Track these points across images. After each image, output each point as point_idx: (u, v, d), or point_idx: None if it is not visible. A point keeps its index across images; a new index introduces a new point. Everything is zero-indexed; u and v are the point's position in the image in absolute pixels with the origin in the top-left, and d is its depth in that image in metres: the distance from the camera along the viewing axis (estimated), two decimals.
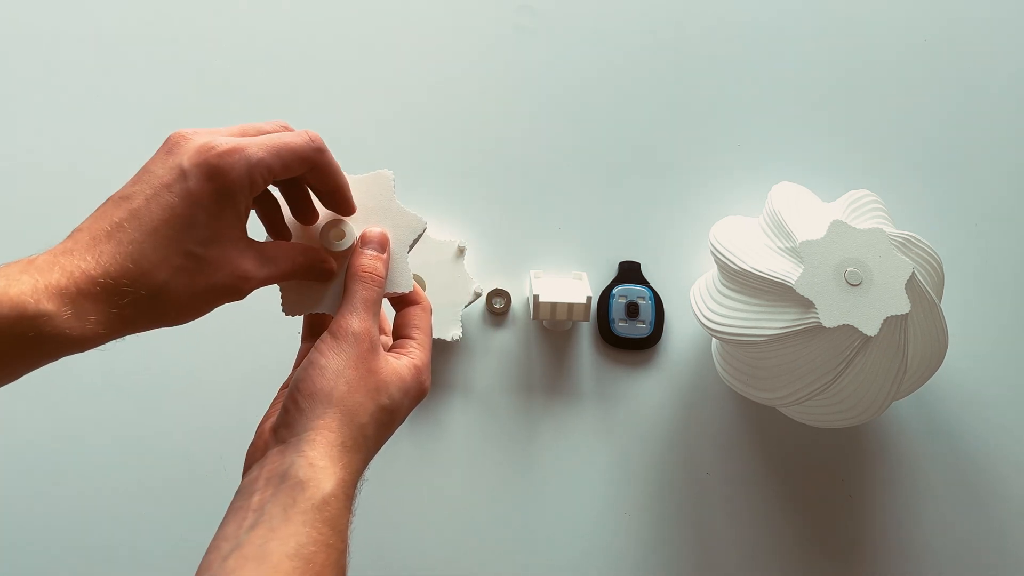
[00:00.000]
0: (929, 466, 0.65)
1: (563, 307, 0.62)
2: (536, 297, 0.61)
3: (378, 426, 0.42)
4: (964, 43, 0.73)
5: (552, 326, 0.66)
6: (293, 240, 0.45)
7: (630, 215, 0.69)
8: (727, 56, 0.72)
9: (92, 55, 0.69)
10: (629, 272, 0.67)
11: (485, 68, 0.71)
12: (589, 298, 0.62)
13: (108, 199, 0.39)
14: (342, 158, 0.72)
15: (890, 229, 0.57)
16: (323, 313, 0.46)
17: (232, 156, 0.38)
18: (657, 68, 0.71)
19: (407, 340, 0.46)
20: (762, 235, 0.58)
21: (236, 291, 0.40)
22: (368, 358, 0.42)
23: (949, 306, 0.59)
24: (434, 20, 0.71)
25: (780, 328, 0.53)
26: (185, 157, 0.38)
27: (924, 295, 0.55)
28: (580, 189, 0.69)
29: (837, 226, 0.55)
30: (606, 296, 0.66)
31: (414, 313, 0.48)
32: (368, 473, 0.62)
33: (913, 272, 0.54)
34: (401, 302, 0.49)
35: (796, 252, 0.55)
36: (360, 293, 0.44)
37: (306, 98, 0.70)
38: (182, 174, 0.38)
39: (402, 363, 0.44)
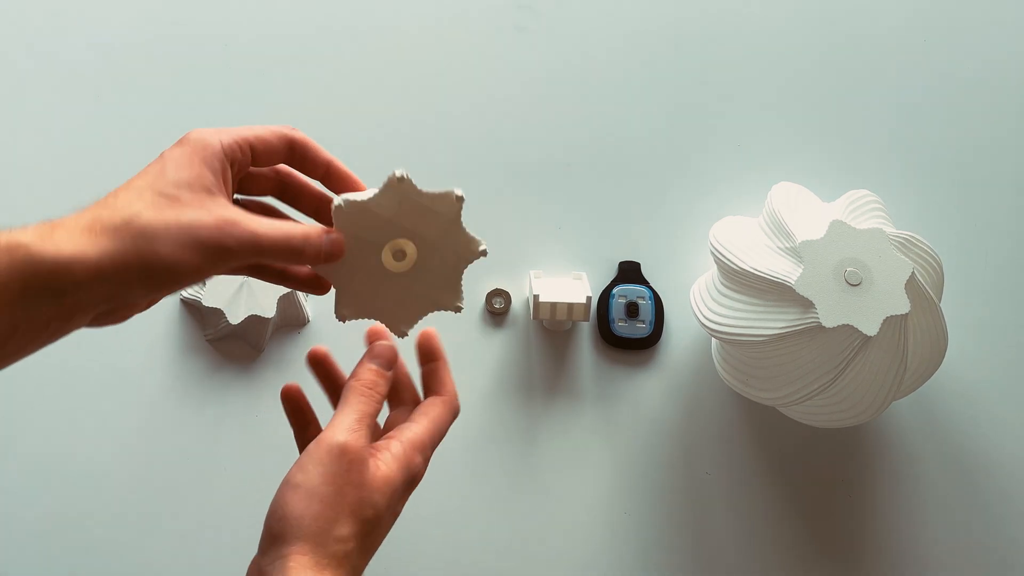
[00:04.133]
0: (929, 466, 0.65)
1: (563, 307, 0.62)
2: (536, 297, 0.61)
3: (362, 538, 0.41)
4: (964, 43, 0.73)
5: (552, 326, 0.66)
6: (360, 274, 0.45)
7: (630, 215, 0.69)
8: (727, 56, 0.72)
9: (102, 58, 0.70)
10: (629, 272, 0.67)
11: (485, 68, 0.71)
12: (589, 298, 0.62)
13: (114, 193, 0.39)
14: (342, 157, 0.72)
15: (890, 229, 0.57)
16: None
17: (206, 129, 0.40)
18: (657, 68, 0.71)
19: (407, 424, 0.45)
20: (762, 235, 0.58)
21: (222, 239, 0.37)
22: (351, 473, 0.40)
23: (949, 306, 0.59)
24: (434, 20, 0.71)
25: (780, 328, 0.53)
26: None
27: (924, 295, 0.55)
28: (580, 189, 0.69)
29: (837, 226, 0.55)
30: (606, 296, 0.66)
31: (428, 401, 0.47)
32: None
33: (913, 272, 0.54)
34: (427, 357, 0.49)
35: (796, 252, 0.55)
36: (357, 406, 0.43)
37: (305, 99, 0.70)
38: (161, 153, 0.39)
39: (389, 462, 0.42)
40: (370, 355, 0.46)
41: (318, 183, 0.47)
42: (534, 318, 0.63)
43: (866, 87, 0.72)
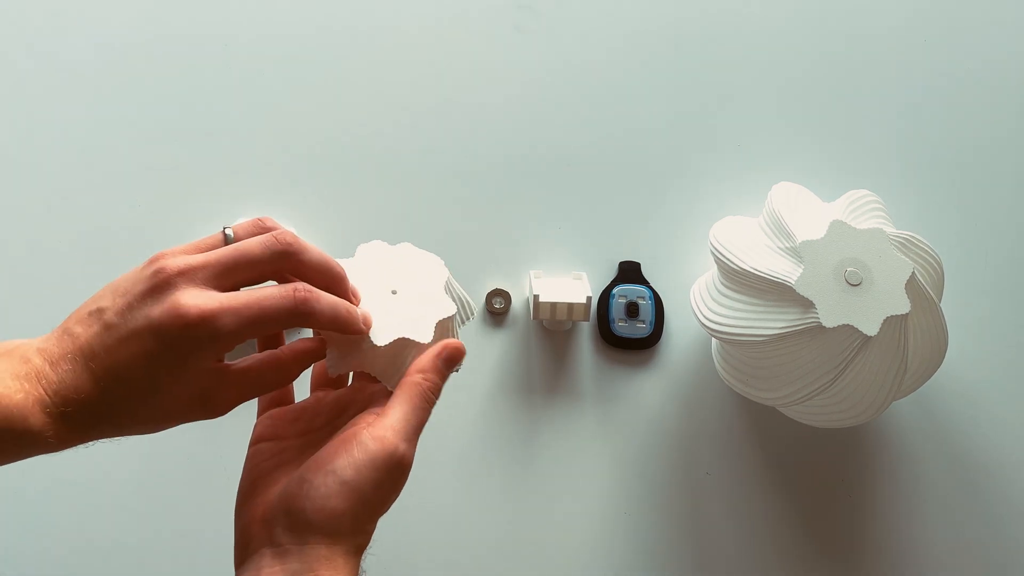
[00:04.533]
0: (929, 466, 0.65)
1: (563, 307, 0.62)
2: (536, 297, 0.61)
3: (373, 526, 0.40)
4: (964, 43, 0.73)
5: (552, 326, 0.66)
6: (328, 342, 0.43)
7: (630, 215, 0.69)
8: (727, 56, 0.72)
9: (115, 54, 0.70)
10: (629, 272, 0.67)
11: (485, 68, 0.71)
12: (589, 298, 0.62)
13: (86, 309, 0.39)
14: (342, 158, 0.72)
15: (890, 229, 0.57)
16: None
17: (199, 328, 0.37)
18: (657, 68, 0.71)
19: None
20: (762, 235, 0.58)
21: (215, 407, 0.40)
22: (398, 484, 0.40)
23: (949, 306, 0.59)
24: (433, 20, 0.71)
25: (780, 328, 0.53)
26: (157, 309, 0.37)
27: (924, 295, 0.55)
28: (580, 189, 0.69)
29: (837, 226, 0.55)
30: (606, 296, 0.66)
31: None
32: None
33: (913, 272, 0.54)
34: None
35: (796, 252, 0.55)
36: (420, 414, 0.41)
37: (305, 99, 0.70)
38: (150, 329, 0.37)
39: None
40: (444, 355, 0.44)
41: None
42: (534, 318, 0.63)
43: (866, 87, 0.72)
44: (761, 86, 0.71)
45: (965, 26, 0.73)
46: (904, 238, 0.56)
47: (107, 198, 0.66)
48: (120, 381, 0.37)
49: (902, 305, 0.53)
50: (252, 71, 0.70)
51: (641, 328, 0.65)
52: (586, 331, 0.67)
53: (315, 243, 0.68)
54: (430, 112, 0.70)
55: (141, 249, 0.66)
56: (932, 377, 0.58)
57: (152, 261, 0.39)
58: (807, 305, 0.53)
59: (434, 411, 0.64)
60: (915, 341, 0.55)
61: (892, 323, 0.53)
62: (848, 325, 0.52)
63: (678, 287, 0.67)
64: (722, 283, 0.58)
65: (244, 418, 0.63)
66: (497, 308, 0.64)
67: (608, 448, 0.65)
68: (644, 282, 0.67)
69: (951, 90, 0.72)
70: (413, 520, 0.63)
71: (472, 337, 0.66)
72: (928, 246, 0.57)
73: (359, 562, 0.39)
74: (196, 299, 0.37)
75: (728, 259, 0.56)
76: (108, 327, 0.38)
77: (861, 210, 0.59)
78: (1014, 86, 0.72)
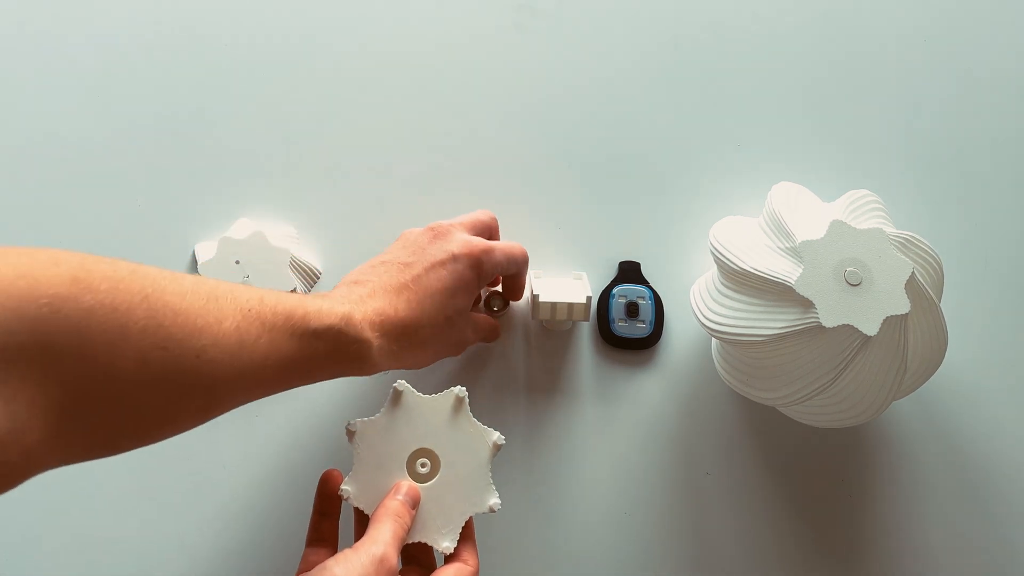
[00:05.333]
0: (929, 466, 0.65)
1: (563, 307, 0.62)
2: (536, 297, 0.61)
3: None
4: (964, 43, 0.73)
5: (552, 326, 0.66)
6: (381, 459, 0.51)
7: (630, 215, 0.69)
8: (727, 56, 0.72)
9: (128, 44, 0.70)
10: (629, 272, 0.67)
11: (484, 67, 0.71)
12: (589, 298, 0.62)
13: (389, 262, 0.51)
14: (342, 158, 0.73)
15: (890, 229, 0.57)
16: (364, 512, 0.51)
17: (488, 255, 0.53)
18: (657, 68, 0.72)
19: (447, 567, 0.49)
20: (762, 235, 0.58)
21: (459, 349, 0.56)
22: None
23: (949, 306, 0.59)
24: (433, 20, 0.71)
25: (780, 328, 0.53)
26: (455, 246, 0.52)
27: (924, 295, 0.55)
28: (580, 189, 0.69)
29: (837, 226, 0.55)
30: (606, 296, 0.66)
31: (458, 566, 0.50)
32: None
33: (913, 272, 0.54)
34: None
35: (796, 252, 0.55)
36: (391, 527, 0.47)
37: (305, 99, 0.70)
38: (453, 258, 0.51)
39: None
40: (396, 490, 0.50)
41: None
42: (534, 318, 0.63)
43: (866, 87, 0.72)
44: (761, 86, 0.71)
45: (965, 26, 0.73)
46: (904, 238, 0.56)
47: (108, 197, 0.66)
48: (432, 302, 0.49)
49: (902, 305, 0.53)
50: (253, 70, 0.70)
51: (641, 328, 0.65)
52: (586, 331, 0.67)
53: (315, 243, 0.69)
54: (429, 111, 0.70)
55: (142, 248, 0.66)
56: (932, 377, 0.58)
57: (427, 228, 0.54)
58: (807, 305, 0.53)
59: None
60: (915, 341, 0.55)
61: (892, 323, 0.53)
62: (848, 325, 0.52)
63: (678, 287, 0.67)
64: (722, 283, 0.58)
65: (241, 425, 0.64)
66: (496, 310, 0.64)
67: (608, 448, 0.65)
68: (644, 282, 0.67)
69: (951, 90, 0.72)
70: None
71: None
72: (928, 246, 0.57)
73: None
74: (476, 239, 0.54)
75: (728, 259, 0.56)
76: (409, 265, 0.51)
77: (861, 210, 0.59)
78: (1014, 86, 0.72)
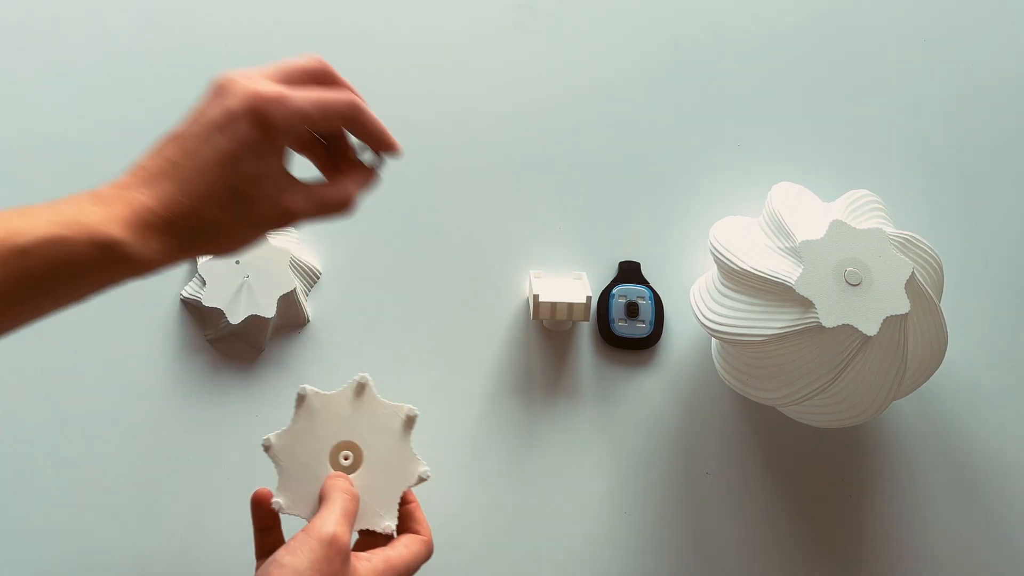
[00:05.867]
0: (929, 466, 0.65)
1: (563, 307, 0.62)
2: (536, 297, 0.61)
3: None
4: (964, 43, 0.73)
5: (552, 326, 0.66)
6: (304, 463, 0.51)
7: (630, 215, 0.69)
8: (727, 56, 0.72)
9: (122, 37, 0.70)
10: (629, 272, 0.67)
11: (485, 67, 0.71)
12: (589, 298, 0.62)
13: (164, 136, 0.42)
14: None
15: (890, 229, 0.57)
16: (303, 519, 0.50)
17: (277, 105, 0.41)
18: (657, 68, 0.71)
19: (390, 547, 0.50)
20: (762, 235, 0.58)
21: (281, 222, 0.43)
22: (334, 563, 0.44)
23: (949, 306, 0.59)
24: (433, 19, 0.71)
25: (780, 328, 0.53)
26: (235, 101, 0.41)
27: (924, 295, 0.55)
28: (580, 189, 0.69)
29: (837, 226, 0.55)
30: (606, 296, 0.66)
31: (411, 536, 0.52)
32: None
33: (913, 272, 0.54)
34: (403, 499, 0.52)
35: (796, 252, 0.55)
36: (340, 504, 0.47)
37: None
38: (231, 117, 0.40)
39: (368, 568, 0.47)
40: (336, 472, 0.51)
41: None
42: (534, 318, 0.63)
43: (866, 87, 0.72)
44: (761, 86, 0.71)
45: (965, 26, 0.73)
46: (904, 238, 0.56)
47: None
48: (204, 179, 0.40)
49: (902, 305, 0.53)
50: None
51: (641, 328, 0.65)
52: (586, 331, 0.67)
53: (315, 243, 0.69)
54: (429, 112, 0.70)
55: None
56: (932, 377, 0.58)
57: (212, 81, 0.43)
58: (807, 305, 0.53)
59: (435, 411, 0.64)
60: (915, 341, 0.55)
61: (892, 323, 0.53)
62: (848, 325, 0.52)
63: (678, 287, 0.67)
64: (722, 283, 0.58)
65: (244, 418, 0.64)
66: (367, 165, 0.55)
67: (608, 448, 0.65)
68: (644, 282, 0.67)
69: (951, 90, 0.72)
70: None
71: (473, 337, 0.66)
72: (928, 246, 0.57)
73: None
74: (269, 84, 0.41)
75: (728, 259, 0.56)
76: (180, 136, 0.42)
77: (861, 210, 0.59)
78: (1014, 85, 0.72)
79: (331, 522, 0.45)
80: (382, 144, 0.47)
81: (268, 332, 0.64)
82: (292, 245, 0.65)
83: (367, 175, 0.47)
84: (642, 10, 0.72)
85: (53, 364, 0.64)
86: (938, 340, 0.56)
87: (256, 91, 0.41)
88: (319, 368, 0.65)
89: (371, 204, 0.68)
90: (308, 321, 0.65)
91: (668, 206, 0.69)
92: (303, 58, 0.44)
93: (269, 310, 0.61)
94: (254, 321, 0.62)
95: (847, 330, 0.52)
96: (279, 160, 0.42)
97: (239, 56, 0.70)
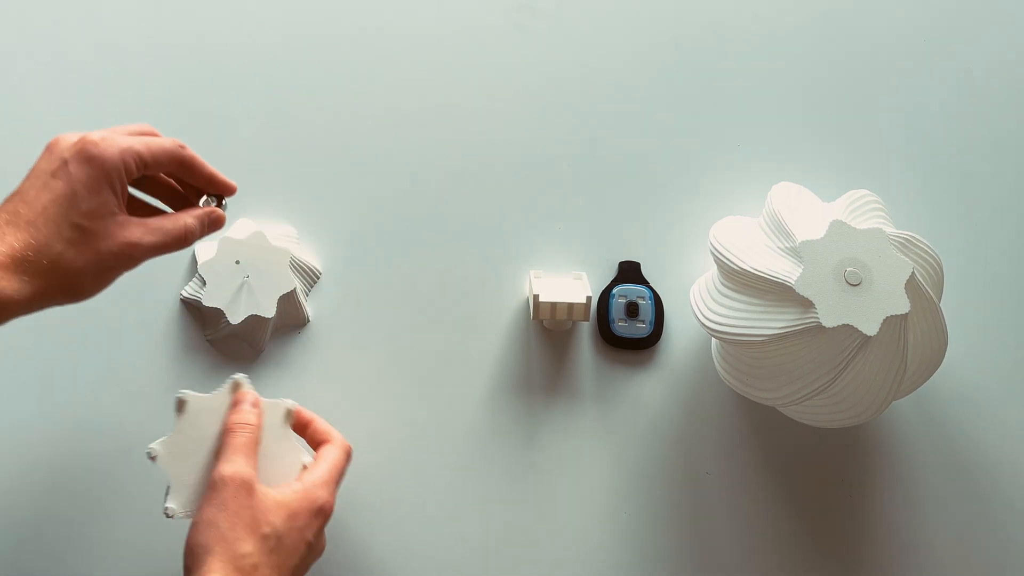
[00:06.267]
0: (929, 466, 0.65)
1: (563, 307, 0.62)
2: (536, 297, 0.61)
3: (267, 554, 0.46)
4: (964, 43, 0.73)
5: (552, 326, 0.66)
6: (192, 467, 0.51)
7: (630, 215, 0.69)
8: (727, 56, 0.72)
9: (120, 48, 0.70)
10: (629, 272, 0.67)
11: (484, 67, 0.71)
12: (589, 298, 0.62)
13: (7, 197, 0.46)
14: (339, 157, 0.73)
15: (890, 229, 0.57)
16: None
17: (104, 143, 0.46)
18: (656, 68, 0.71)
19: (314, 457, 0.53)
20: (762, 235, 0.58)
21: (128, 258, 0.47)
22: (240, 497, 0.47)
23: (949, 306, 0.59)
24: (433, 19, 0.71)
25: (780, 328, 0.53)
26: (65, 149, 0.46)
27: (924, 295, 0.55)
28: (580, 189, 0.69)
29: (837, 226, 0.55)
30: (606, 296, 0.66)
31: (322, 448, 0.54)
32: (364, 472, 0.62)
33: (913, 272, 0.54)
34: (301, 428, 0.55)
35: (796, 252, 0.55)
36: (231, 442, 0.49)
37: (305, 99, 0.70)
38: (63, 163, 0.45)
39: (285, 492, 0.49)
40: (235, 402, 0.52)
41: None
42: (534, 318, 0.63)
43: (866, 87, 0.72)
44: (761, 86, 0.71)
45: (965, 26, 0.73)
46: (904, 238, 0.56)
47: None
48: (45, 220, 0.44)
49: (902, 305, 0.53)
50: (254, 71, 0.70)
51: (641, 328, 0.65)
52: (586, 331, 0.67)
53: (315, 244, 0.69)
54: (429, 112, 0.70)
55: None
56: (932, 377, 0.58)
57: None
58: (807, 305, 0.53)
59: (435, 411, 0.64)
60: (915, 341, 0.55)
61: (892, 323, 0.53)
62: (848, 325, 0.52)
63: (678, 287, 0.67)
64: (722, 283, 0.58)
65: None
66: (209, 205, 0.57)
67: (608, 448, 0.65)
68: (644, 282, 0.67)
69: (951, 90, 0.72)
70: (412, 520, 0.63)
71: (473, 337, 0.66)
72: (928, 246, 0.57)
73: None
74: (96, 132, 0.47)
75: (728, 259, 0.56)
76: (19, 192, 0.45)
77: (861, 210, 0.59)
78: (1014, 85, 0.72)
79: (222, 464, 0.48)
80: (215, 185, 0.53)
81: (268, 332, 0.64)
82: (292, 245, 0.65)
83: (203, 210, 0.52)
84: (642, 10, 0.72)
85: (53, 364, 0.63)
86: (938, 340, 0.56)
87: (83, 136, 0.46)
88: (319, 368, 0.65)
89: (371, 204, 0.68)
90: (308, 321, 0.65)
91: (668, 206, 0.69)
92: (136, 125, 0.51)
93: (269, 310, 0.61)
94: (254, 321, 0.62)
95: (847, 330, 0.52)
96: (115, 197, 0.46)
97: (239, 56, 0.70)
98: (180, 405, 0.52)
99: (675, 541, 0.64)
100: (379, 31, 0.71)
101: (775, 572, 0.64)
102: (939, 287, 0.58)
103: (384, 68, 0.70)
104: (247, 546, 0.45)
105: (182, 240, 0.50)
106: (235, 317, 0.61)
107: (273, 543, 0.46)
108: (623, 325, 0.65)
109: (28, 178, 0.46)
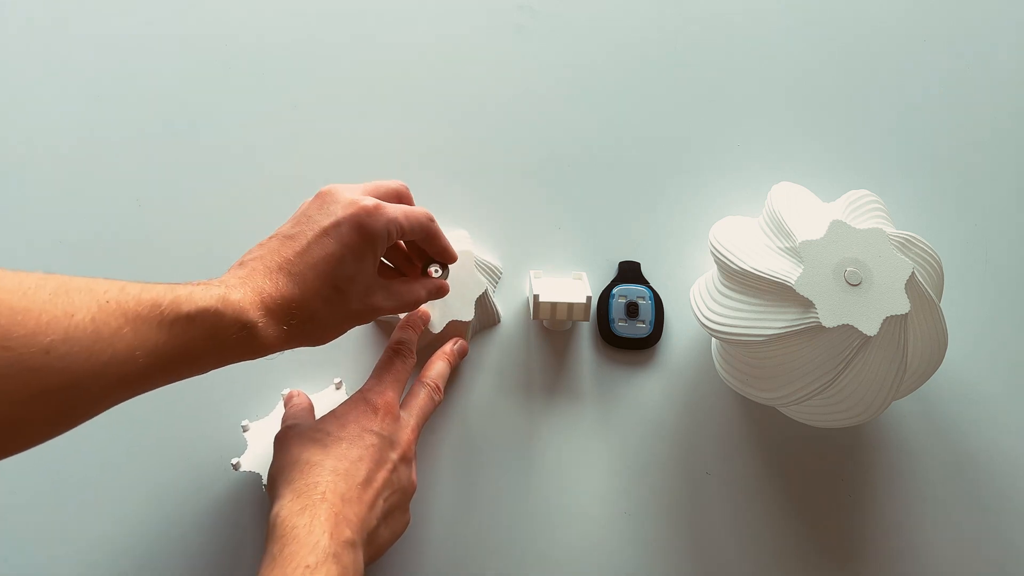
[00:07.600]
0: (929, 466, 0.65)
1: (563, 307, 0.62)
2: (536, 297, 0.61)
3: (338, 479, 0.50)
4: (964, 43, 0.73)
5: (552, 326, 0.66)
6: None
7: (630, 215, 0.69)
8: (727, 56, 0.72)
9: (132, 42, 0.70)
10: (629, 272, 0.67)
11: (484, 67, 0.71)
12: (589, 298, 0.62)
13: (275, 236, 0.49)
14: (343, 156, 0.73)
15: (890, 229, 0.58)
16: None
17: (375, 214, 0.49)
18: (656, 67, 0.72)
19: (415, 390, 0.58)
20: (762, 235, 0.58)
21: (367, 318, 0.51)
22: (386, 421, 0.53)
23: (949, 306, 0.59)
24: (433, 20, 0.71)
25: (780, 328, 0.53)
26: (340, 208, 0.48)
27: (924, 295, 0.55)
28: (580, 189, 0.69)
29: (837, 226, 0.55)
30: (606, 296, 0.66)
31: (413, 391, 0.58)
32: None
33: (913, 272, 0.54)
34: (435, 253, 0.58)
35: (796, 252, 0.55)
36: (421, 405, 0.57)
37: (305, 100, 0.70)
38: (337, 223, 0.48)
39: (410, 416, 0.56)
40: (400, 324, 0.59)
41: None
42: (534, 318, 0.63)
43: (866, 87, 0.72)
44: (761, 86, 0.71)
45: (965, 26, 0.73)
46: (904, 238, 0.56)
47: (108, 197, 0.66)
48: (314, 274, 0.47)
49: (902, 305, 0.53)
50: (255, 72, 0.70)
51: (641, 328, 0.66)
52: (586, 331, 0.67)
53: None
54: (429, 112, 0.70)
55: (144, 247, 0.66)
56: (932, 377, 0.58)
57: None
58: (807, 305, 0.53)
59: (434, 411, 0.64)
60: (915, 341, 0.55)
61: (892, 323, 0.53)
62: (848, 325, 0.52)
63: (678, 287, 0.67)
64: (722, 283, 0.58)
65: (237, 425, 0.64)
66: (435, 275, 0.63)
67: (608, 448, 0.65)
68: (644, 282, 0.67)
69: (951, 90, 0.72)
70: (412, 520, 0.63)
71: (473, 337, 0.66)
72: (928, 246, 0.57)
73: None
74: (367, 197, 0.50)
75: (728, 259, 0.56)
76: (291, 238, 0.48)
77: (861, 210, 0.59)
78: (1014, 85, 0.72)
79: (405, 431, 0.54)
80: (446, 256, 0.57)
81: (469, 334, 0.65)
82: (470, 245, 0.65)
83: (435, 282, 0.56)
84: (642, 10, 0.72)
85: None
86: (938, 340, 0.56)
87: (358, 201, 0.49)
88: (319, 368, 0.65)
89: None
90: (499, 321, 0.66)
91: (668, 206, 0.69)
92: (390, 181, 0.54)
93: (468, 313, 0.62)
94: (455, 326, 0.62)
95: (847, 330, 0.52)
96: (373, 264, 0.50)
97: (239, 56, 0.70)
98: (287, 399, 0.59)
99: (675, 540, 0.64)
100: (380, 32, 0.71)
101: (775, 572, 0.64)
102: (939, 287, 0.58)
103: (385, 69, 0.70)
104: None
105: (411, 307, 0.54)
106: (436, 327, 0.62)
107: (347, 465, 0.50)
108: (623, 325, 0.65)
109: (299, 222, 0.49)
